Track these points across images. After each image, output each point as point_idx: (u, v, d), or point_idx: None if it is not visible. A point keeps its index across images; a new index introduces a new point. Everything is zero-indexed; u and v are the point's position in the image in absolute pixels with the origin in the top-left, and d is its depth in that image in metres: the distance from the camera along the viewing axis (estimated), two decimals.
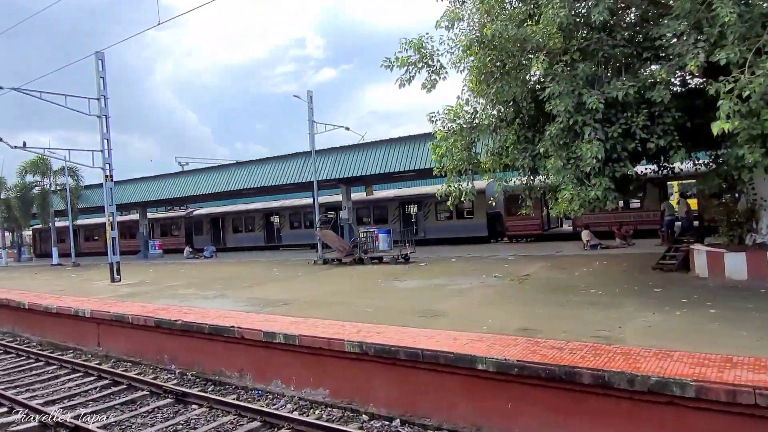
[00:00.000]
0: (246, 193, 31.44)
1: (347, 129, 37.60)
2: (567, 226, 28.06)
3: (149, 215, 42.16)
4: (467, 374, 6.77)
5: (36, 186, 31.62)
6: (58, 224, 41.77)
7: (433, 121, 11.83)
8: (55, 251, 30.83)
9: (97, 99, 18.49)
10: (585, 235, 19.26)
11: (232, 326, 9.64)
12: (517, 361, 6.30)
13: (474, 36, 10.29)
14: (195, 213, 38.01)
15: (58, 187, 31.41)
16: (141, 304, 13.07)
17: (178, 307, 12.38)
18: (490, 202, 26.78)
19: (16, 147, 16.10)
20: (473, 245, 24.75)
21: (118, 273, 18.67)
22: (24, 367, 11.64)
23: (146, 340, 11.58)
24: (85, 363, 11.30)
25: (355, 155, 24.77)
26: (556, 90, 8.93)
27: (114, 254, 18.60)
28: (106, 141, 18.58)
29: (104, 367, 11.00)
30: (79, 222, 38.73)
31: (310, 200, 32.71)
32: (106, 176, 18.60)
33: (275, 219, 33.97)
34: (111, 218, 18.62)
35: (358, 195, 31.61)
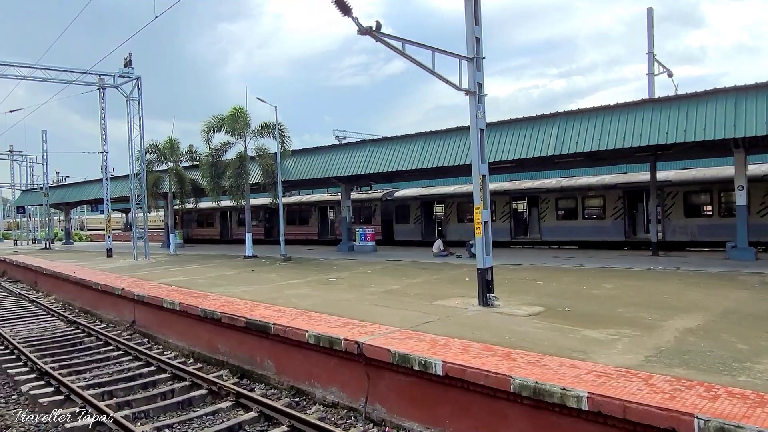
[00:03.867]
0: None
1: (670, 75, 28.52)
2: None
3: (317, 197, 34.37)
4: None
5: (228, 148, 23.54)
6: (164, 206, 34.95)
7: None
8: (249, 239, 22.99)
9: None
10: None
11: None
12: None
13: None
14: (396, 195, 29.35)
15: (258, 152, 23.32)
16: None
17: None
18: None
19: (369, 30, 7.74)
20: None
21: (490, 289, 10.00)
22: None
23: None
24: None
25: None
26: None
27: (487, 254, 9.96)
28: (475, 40, 9.85)
29: None
30: (224, 203, 30.12)
31: (576, 181, 23.30)
32: (477, 115, 9.89)
33: (520, 205, 24.98)
34: (482, 185, 9.94)
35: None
